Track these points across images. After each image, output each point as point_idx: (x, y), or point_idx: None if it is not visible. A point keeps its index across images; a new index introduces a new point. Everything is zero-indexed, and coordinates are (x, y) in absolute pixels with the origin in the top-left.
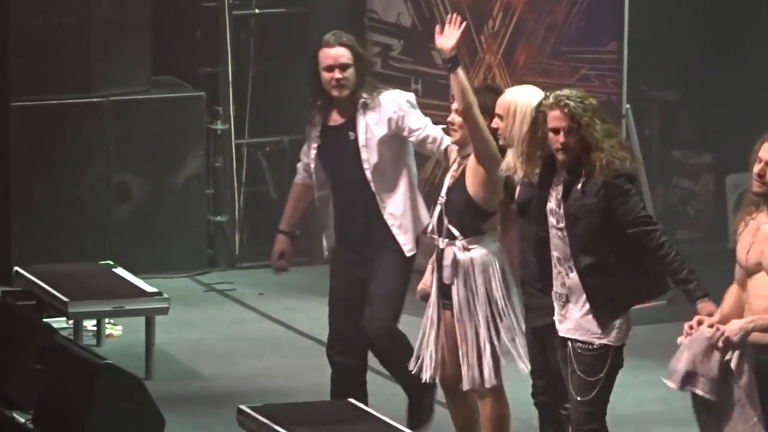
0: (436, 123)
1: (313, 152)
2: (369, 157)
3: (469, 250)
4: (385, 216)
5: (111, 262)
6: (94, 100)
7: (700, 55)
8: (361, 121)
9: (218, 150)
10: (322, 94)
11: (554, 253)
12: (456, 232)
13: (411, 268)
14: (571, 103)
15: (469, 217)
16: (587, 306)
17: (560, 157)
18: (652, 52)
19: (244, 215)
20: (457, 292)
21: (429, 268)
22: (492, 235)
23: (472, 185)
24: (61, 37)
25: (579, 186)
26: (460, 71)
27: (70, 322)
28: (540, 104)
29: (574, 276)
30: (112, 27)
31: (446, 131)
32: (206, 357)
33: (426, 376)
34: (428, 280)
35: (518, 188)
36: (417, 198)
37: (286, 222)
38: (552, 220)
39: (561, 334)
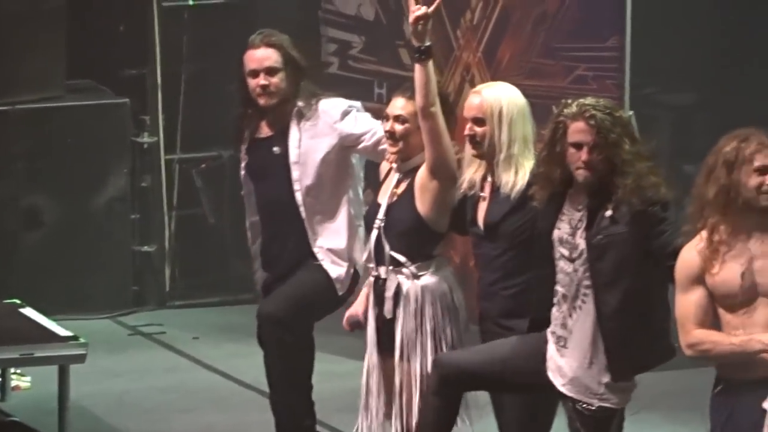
0: None
1: (242, 172)
2: (301, 177)
3: (418, 277)
4: (314, 249)
5: (17, 301)
6: None
7: (716, 52)
8: (294, 133)
9: (145, 167)
10: (251, 103)
11: (559, 289)
12: (402, 258)
13: (333, 293)
14: (598, 114)
15: (417, 240)
16: (588, 357)
17: (581, 177)
18: (659, 49)
19: (175, 244)
20: (402, 327)
21: (363, 293)
22: (444, 260)
23: (422, 203)
24: None
25: (608, 213)
26: (431, 65)
27: None
28: (560, 113)
29: (578, 318)
30: (20, 20)
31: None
32: (132, 412)
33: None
34: (361, 307)
35: (483, 206)
36: (356, 231)
37: None
38: (562, 251)
39: (555, 384)
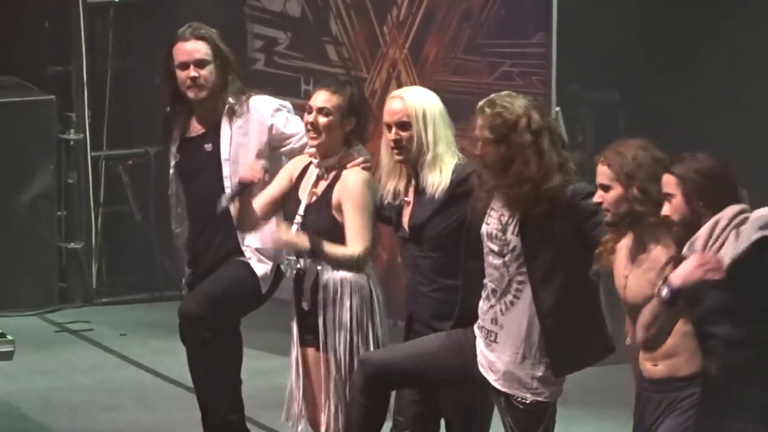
0: None
1: (171, 171)
2: (232, 174)
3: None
4: (243, 247)
5: None
6: None
7: (640, 48)
8: (226, 130)
9: (71, 164)
10: (180, 100)
11: (488, 284)
12: None
13: (256, 290)
14: (487, 111)
15: (337, 239)
16: (521, 352)
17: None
18: (584, 46)
19: (102, 241)
20: (322, 319)
21: None
22: None
23: (340, 215)
24: None
25: (537, 210)
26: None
27: None
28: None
29: (510, 314)
30: None
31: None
32: (59, 410)
33: (295, 429)
34: None
35: (408, 210)
36: None
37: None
38: (492, 246)
39: (487, 378)
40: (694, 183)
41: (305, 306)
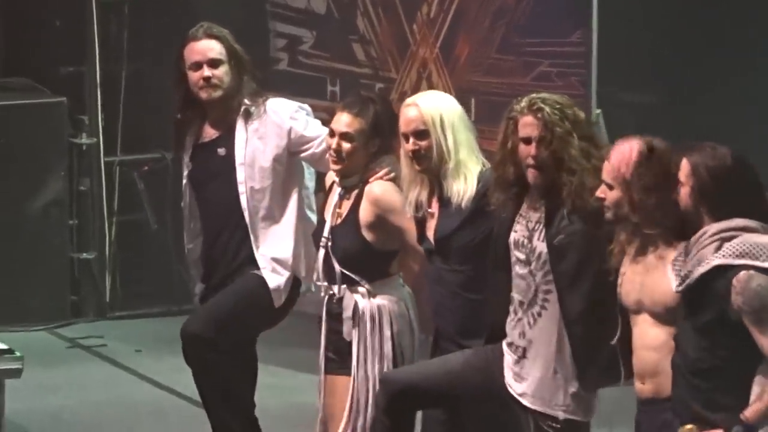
0: None
1: (185, 180)
2: (247, 179)
3: (374, 296)
4: (257, 255)
5: None
6: None
7: (686, 46)
8: (241, 133)
9: (84, 170)
10: (192, 104)
11: (515, 296)
12: (356, 277)
13: (268, 304)
14: (546, 108)
15: (369, 262)
16: (552, 366)
17: (531, 176)
18: (626, 44)
19: (116, 252)
20: (358, 347)
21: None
22: (399, 279)
23: (368, 234)
24: None
25: (564, 211)
26: None
27: None
28: (511, 109)
29: (539, 326)
30: None
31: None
32: (71, 429)
33: None
34: None
35: (433, 222)
36: (303, 239)
37: None
38: (518, 255)
39: (518, 398)
40: (702, 181)
41: (347, 337)
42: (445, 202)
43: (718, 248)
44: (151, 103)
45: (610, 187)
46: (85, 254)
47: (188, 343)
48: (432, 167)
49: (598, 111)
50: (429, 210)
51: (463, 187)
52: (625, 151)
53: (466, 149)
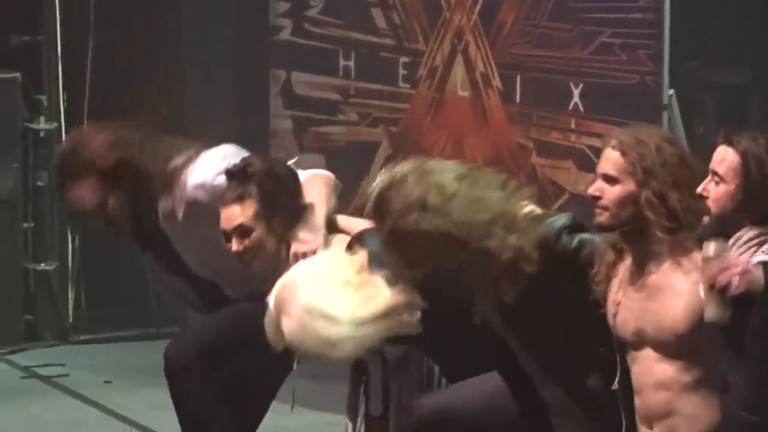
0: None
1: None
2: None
3: None
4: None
5: None
6: None
7: None
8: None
9: (41, 161)
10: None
11: None
12: None
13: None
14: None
15: None
16: None
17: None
18: (705, 12)
19: (81, 262)
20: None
21: None
22: None
23: None
24: None
25: None
26: None
27: None
28: None
29: None
30: None
31: None
32: None
33: None
34: None
35: None
36: None
37: None
38: None
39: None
40: (752, 179)
41: (375, 413)
42: None
43: (755, 253)
44: (123, 81)
45: (612, 182)
46: (43, 265)
47: (167, 370)
48: None
49: (671, 92)
50: None
51: None
52: (643, 136)
53: None
